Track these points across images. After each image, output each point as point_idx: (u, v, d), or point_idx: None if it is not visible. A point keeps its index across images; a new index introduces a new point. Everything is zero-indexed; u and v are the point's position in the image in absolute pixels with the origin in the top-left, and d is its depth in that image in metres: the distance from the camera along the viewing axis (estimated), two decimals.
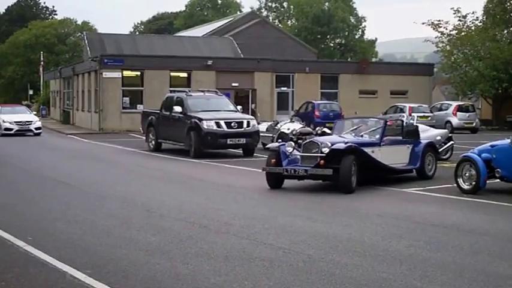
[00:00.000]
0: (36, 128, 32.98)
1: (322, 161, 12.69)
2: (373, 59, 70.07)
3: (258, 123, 22.60)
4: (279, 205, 11.53)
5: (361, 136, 14.17)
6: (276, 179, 13.30)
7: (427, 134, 18.88)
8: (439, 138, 18.98)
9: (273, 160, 13.23)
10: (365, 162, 13.22)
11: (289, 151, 13.33)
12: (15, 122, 32.61)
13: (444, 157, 19.08)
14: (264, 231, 9.08)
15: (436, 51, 44.69)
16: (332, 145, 12.96)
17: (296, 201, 11.99)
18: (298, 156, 13.32)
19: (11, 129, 32.28)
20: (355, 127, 14.74)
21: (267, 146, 14.00)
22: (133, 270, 7.01)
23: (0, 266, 7.25)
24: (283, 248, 7.97)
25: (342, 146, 12.88)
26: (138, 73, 38.31)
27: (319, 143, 13.15)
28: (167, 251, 7.87)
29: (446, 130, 21.64)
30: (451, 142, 19.43)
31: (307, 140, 13.74)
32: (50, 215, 10.44)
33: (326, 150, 12.86)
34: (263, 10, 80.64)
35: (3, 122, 32.62)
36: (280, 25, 73.07)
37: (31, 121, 33.34)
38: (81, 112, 42.95)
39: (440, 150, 19.02)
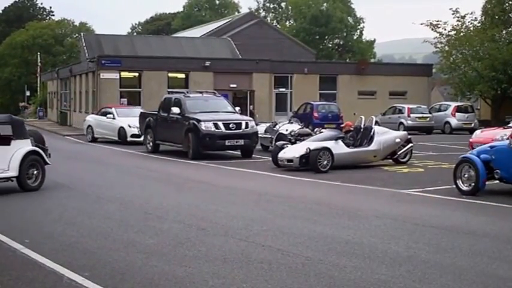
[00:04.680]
0: None
1: None
2: (372, 60, 70.12)
3: (257, 125, 22.55)
4: (277, 207, 11.49)
5: None
6: None
7: (386, 136, 18.47)
8: (398, 140, 18.48)
9: None
10: None
11: None
12: None
13: (403, 160, 18.64)
14: (262, 233, 9.04)
15: (435, 51, 44.70)
16: None
17: (294, 202, 11.95)
18: None
19: (139, 136, 25.83)
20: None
21: None
22: (131, 272, 6.98)
23: None
24: (282, 250, 7.94)
25: None
26: (136, 74, 38.29)
27: None
28: (165, 253, 7.84)
29: (405, 132, 20.56)
30: (410, 144, 18.81)
31: None
32: (47, 217, 10.40)
33: None
34: (261, 11, 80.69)
35: (129, 127, 26.98)
36: (278, 26, 73.07)
37: None
38: (78, 113, 42.87)
39: (399, 153, 18.52)
